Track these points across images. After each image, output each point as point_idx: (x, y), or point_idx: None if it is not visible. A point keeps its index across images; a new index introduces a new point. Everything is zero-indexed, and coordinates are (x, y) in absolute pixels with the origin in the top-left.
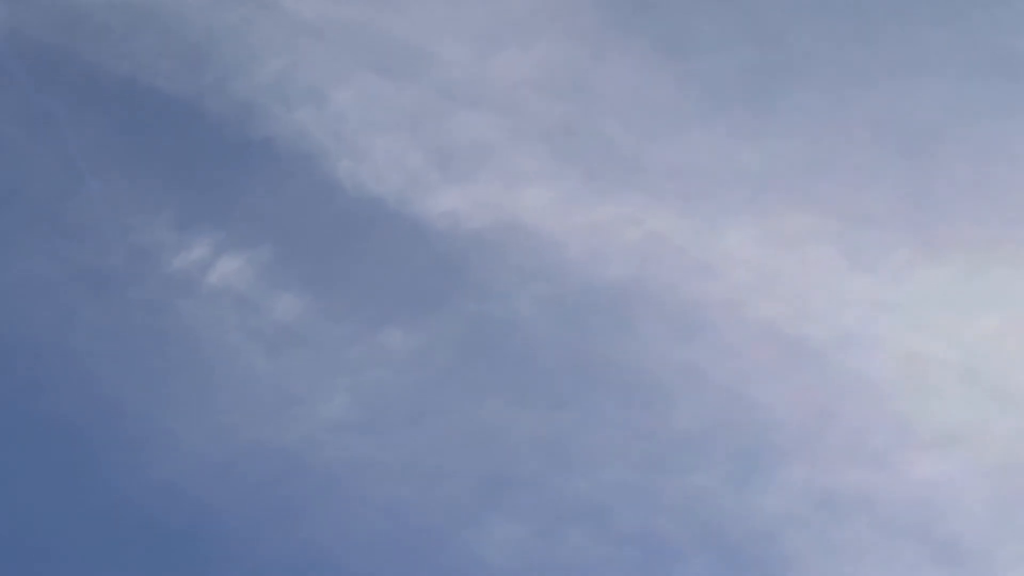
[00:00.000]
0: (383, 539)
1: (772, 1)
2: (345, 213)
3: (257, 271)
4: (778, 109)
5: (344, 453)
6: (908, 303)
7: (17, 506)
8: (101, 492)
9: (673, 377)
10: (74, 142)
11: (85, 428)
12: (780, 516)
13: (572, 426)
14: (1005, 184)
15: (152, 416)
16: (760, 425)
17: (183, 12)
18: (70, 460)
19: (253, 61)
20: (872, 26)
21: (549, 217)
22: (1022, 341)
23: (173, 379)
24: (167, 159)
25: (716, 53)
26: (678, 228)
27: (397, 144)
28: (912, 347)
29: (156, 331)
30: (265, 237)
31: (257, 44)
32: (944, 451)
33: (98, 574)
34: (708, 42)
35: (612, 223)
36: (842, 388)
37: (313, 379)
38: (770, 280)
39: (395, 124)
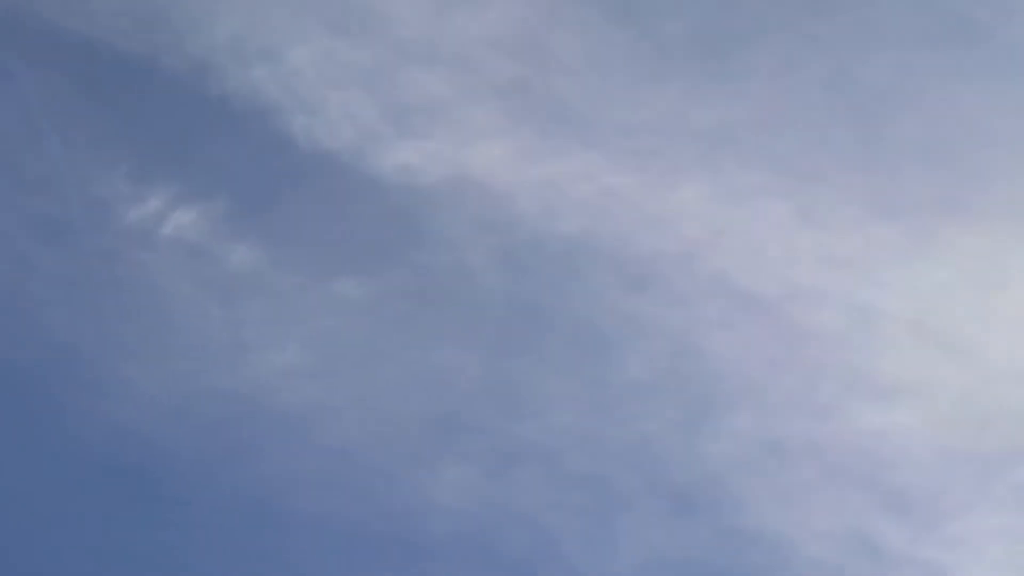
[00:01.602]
0: (335, 480)
1: None
2: (299, 167)
3: (212, 223)
4: (730, 71)
5: (297, 397)
6: (858, 259)
7: None
8: (57, 436)
9: (623, 327)
10: (33, 98)
11: (41, 374)
12: (729, 462)
13: (522, 373)
14: (954, 146)
15: (108, 362)
16: (709, 374)
17: None
18: (26, 406)
19: (209, 20)
20: None
21: (501, 172)
22: (971, 297)
23: (129, 327)
24: (124, 115)
25: (670, 15)
26: (630, 184)
27: (351, 100)
28: (862, 301)
29: (112, 280)
30: (220, 190)
31: (213, 4)
32: (893, 402)
33: (53, 515)
34: (662, 4)
35: (564, 179)
36: (792, 340)
37: (267, 327)
38: (721, 235)
39: (349, 81)
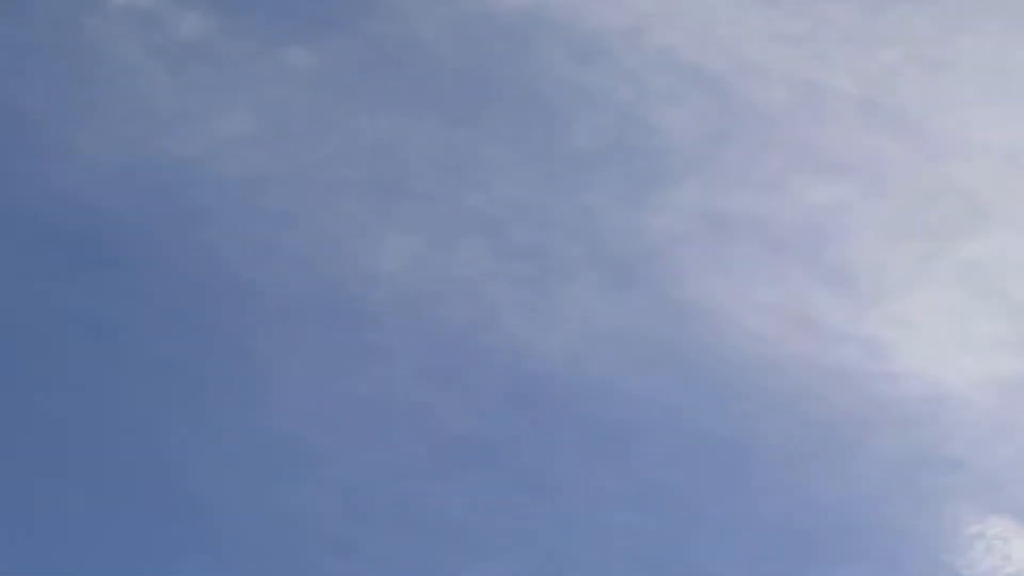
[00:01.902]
0: (280, 247)
1: None
2: None
3: None
4: None
5: (244, 164)
6: (808, 36)
7: None
8: (3, 200)
9: (570, 99)
10: None
11: None
12: (671, 235)
13: (469, 143)
14: None
15: (56, 127)
16: (655, 148)
17: None
18: None
19: None
20: None
21: None
22: (919, 76)
23: (78, 93)
24: None
25: None
26: None
27: None
28: (810, 77)
29: (62, 46)
30: None
31: None
32: (838, 178)
33: None
34: None
35: None
36: (738, 115)
37: (215, 94)
38: (670, 10)
39: None
